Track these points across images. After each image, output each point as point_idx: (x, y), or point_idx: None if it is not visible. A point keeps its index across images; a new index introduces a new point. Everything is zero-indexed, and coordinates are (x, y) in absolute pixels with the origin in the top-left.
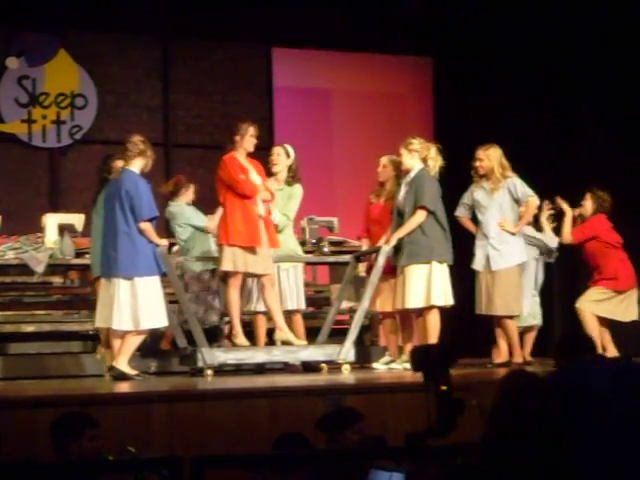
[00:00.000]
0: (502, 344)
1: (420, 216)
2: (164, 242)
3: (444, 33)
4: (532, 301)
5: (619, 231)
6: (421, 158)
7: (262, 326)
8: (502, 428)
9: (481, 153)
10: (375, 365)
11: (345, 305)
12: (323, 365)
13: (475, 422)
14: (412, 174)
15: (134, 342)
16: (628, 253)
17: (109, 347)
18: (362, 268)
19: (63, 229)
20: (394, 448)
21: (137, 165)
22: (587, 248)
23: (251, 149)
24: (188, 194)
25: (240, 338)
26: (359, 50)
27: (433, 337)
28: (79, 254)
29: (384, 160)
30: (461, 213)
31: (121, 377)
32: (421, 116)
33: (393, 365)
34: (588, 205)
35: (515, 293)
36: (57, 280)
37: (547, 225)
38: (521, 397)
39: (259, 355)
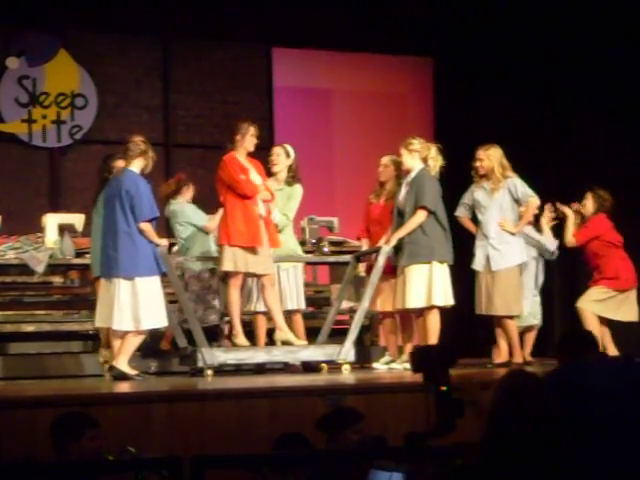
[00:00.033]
0: (502, 344)
1: (420, 216)
2: (164, 242)
3: (444, 33)
4: (532, 301)
5: (619, 231)
6: (421, 158)
7: (262, 326)
8: (501, 428)
9: (481, 153)
10: (375, 365)
11: (345, 305)
12: (323, 365)
13: (475, 422)
14: (412, 174)
15: (134, 342)
16: (628, 253)
17: (109, 347)
18: (362, 268)
19: (63, 229)
20: (394, 448)
21: (138, 165)
22: (588, 248)
23: (252, 149)
24: (189, 192)
25: (240, 338)
26: (359, 50)
27: (433, 337)
28: (79, 254)
29: (386, 160)
30: (461, 213)
31: (121, 377)
32: (421, 116)
33: (393, 365)
34: (589, 204)
35: (515, 293)
36: (57, 280)
37: (547, 227)
38: (520, 397)
39: (259, 355)
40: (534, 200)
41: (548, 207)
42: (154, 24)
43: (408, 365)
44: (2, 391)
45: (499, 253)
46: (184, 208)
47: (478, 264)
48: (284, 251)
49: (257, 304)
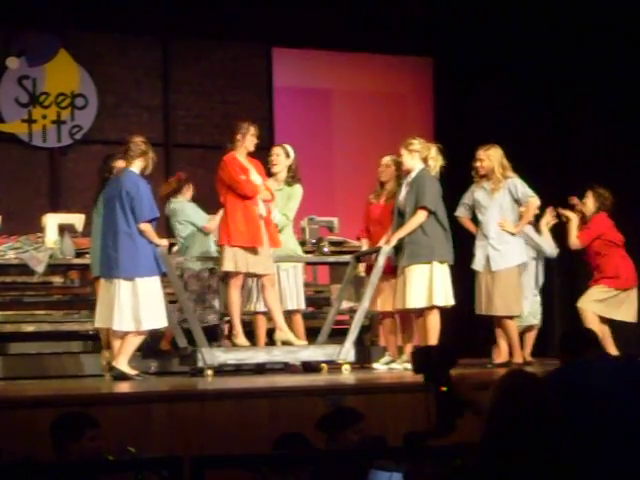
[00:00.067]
0: (502, 344)
1: (421, 216)
2: (164, 242)
3: (444, 33)
4: (533, 301)
5: (619, 230)
6: (422, 158)
7: (262, 326)
8: (501, 428)
9: (482, 153)
10: (375, 365)
11: (345, 305)
12: (323, 365)
13: (474, 422)
14: (413, 174)
15: (134, 342)
16: (628, 252)
17: (109, 348)
18: (361, 268)
19: (63, 229)
20: (394, 448)
21: (138, 166)
22: (589, 247)
23: (252, 148)
24: (189, 191)
25: (240, 338)
26: (359, 50)
27: (433, 338)
28: (79, 254)
29: (387, 160)
30: (461, 213)
31: (121, 377)
32: (421, 116)
33: (393, 365)
34: (589, 203)
35: (515, 293)
36: (57, 280)
37: (546, 230)
38: (520, 397)
39: (259, 355)
40: (534, 200)
41: (550, 210)
42: (154, 24)
43: (408, 365)
44: (2, 391)
45: (499, 253)
46: (184, 207)
47: (478, 264)
48: (284, 251)
49: (257, 304)
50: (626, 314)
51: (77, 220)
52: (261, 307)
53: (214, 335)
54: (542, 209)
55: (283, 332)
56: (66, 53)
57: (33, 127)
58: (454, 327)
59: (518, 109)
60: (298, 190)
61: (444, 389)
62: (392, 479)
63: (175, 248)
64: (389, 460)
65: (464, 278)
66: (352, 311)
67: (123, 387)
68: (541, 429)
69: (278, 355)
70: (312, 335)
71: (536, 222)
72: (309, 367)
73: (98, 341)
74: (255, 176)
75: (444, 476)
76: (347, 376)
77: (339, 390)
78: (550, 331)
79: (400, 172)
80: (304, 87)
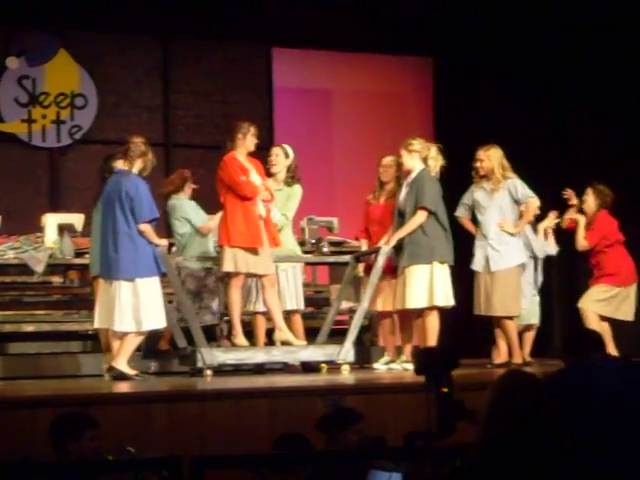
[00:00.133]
0: (502, 345)
1: (421, 217)
2: (164, 242)
3: (444, 33)
4: (531, 301)
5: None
6: (421, 158)
7: (261, 326)
8: (499, 428)
9: (482, 154)
10: (375, 365)
11: (345, 305)
12: (323, 365)
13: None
14: (413, 175)
15: (134, 342)
16: (628, 250)
17: (109, 350)
18: (360, 268)
19: (63, 229)
20: (393, 448)
21: (137, 166)
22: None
23: (253, 148)
24: (189, 189)
25: (240, 338)
26: (359, 50)
27: (432, 338)
28: (79, 254)
29: (389, 160)
30: (461, 213)
31: (121, 377)
32: (421, 116)
33: (393, 365)
34: (590, 200)
35: (514, 294)
36: (57, 280)
37: (542, 232)
38: (518, 397)
39: (259, 355)
40: (534, 201)
41: (553, 212)
42: (154, 24)
43: (407, 365)
44: (2, 391)
45: (498, 254)
46: (183, 204)
47: (477, 264)
48: (283, 251)
49: (256, 304)
50: (627, 313)
51: (77, 220)
52: (260, 307)
53: (210, 335)
54: (542, 209)
55: (282, 332)
56: (66, 53)
57: (33, 127)
58: (454, 327)
59: (518, 109)
60: (297, 190)
61: (445, 390)
62: (392, 479)
63: (175, 248)
64: (388, 460)
65: (464, 278)
66: (352, 311)
67: (122, 387)
68: (539, 429)
69: (277, 355)
70: (311, 335)
71: (536, 222)
72: (309, 367)
73: (97, 341)
74: (255, 177)
75: (444, 477)
76: (347, 376)
77: (339, 390)
78: (549, 331)
79: (400, 173)
80: (304, 87)
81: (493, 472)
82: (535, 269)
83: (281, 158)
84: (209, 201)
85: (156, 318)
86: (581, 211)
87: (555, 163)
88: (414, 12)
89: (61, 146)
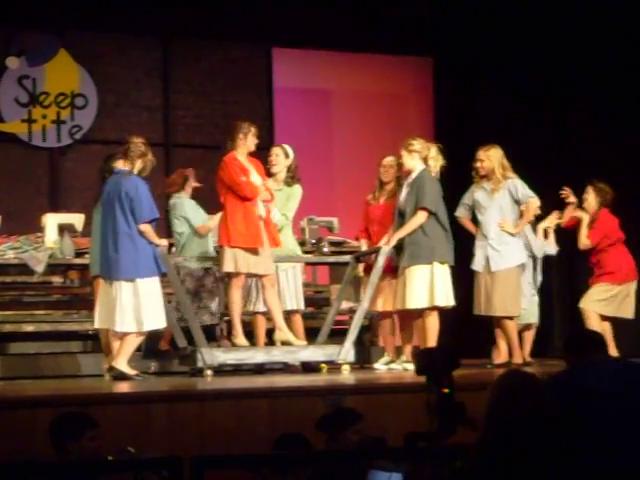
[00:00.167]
0: (502, 345)
1: (421, 217)
2: (164, 242)
3: (444, 33)
4: (531, 300)
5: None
6: (421, 158)
7: (262, 326)
8: (498, 428)
9: (482, 154)
10: (375, 365)
11: (345, 305)
12: (323, 365)
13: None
14: (413, 175)
15: (134, 343)
16: (629, 249)
17: (109, 351)
18: (360, 268)
19: (63, 229)
20: (393, 448)
21: (137, 167)
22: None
23: (253, 148)
24: (190, 187)
25: (240, 338)
26: (359, 50)
27: (432, 338)
28: (79, 254)
29: (390, 160)
30: (461, 213)
31: (121, 377)
32: (421, 116)
33: (393, 365)
34: (591, 198)
35: (514, 294)
36: (57, 280)
37: (541, 231)
38: (518, 397)
39: (259, 355)
40: (534, 201)
41: (556, 212)
42: (154, 24)
43: (407, 365)
44: (2, 391)
45: (498, 254)
46: (184, 203)
47: (477, 264)
48: (283, 251)
49: (256, 304)
50: (626, 311)
51: (77, 220)
52: (260, 307)
53: (210, 335)
54: (542, 209)
55: (283, 332)
56: (66, 53)
57: (33, 127)
58: (454, 327)
59: (518, 109)
60: (297, 190)
61: (446, 391)
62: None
63: (175, 248)
64: (388, 460)
65: (464, 278)
66: (352, 311)
67: (123, 387)
68: (539, 429)
69: (277, 355)
70: (312, 335)
71: (536, 222)
72: (309, 367)
73: (97, 341)
74: (255, 177)
75: (444, 477)
76: (347, 376)
77: (339, 390)
78: (549, 331)
79: (401, 173)
80: (304, 87)
81: (493, 473)
82: (534, 269)
83: (281, 158)
84: (209, 201)
85: (157, 318)
86: (580, 207)
87: (555, 163)
88: (414, 12)
89: (61, 146)
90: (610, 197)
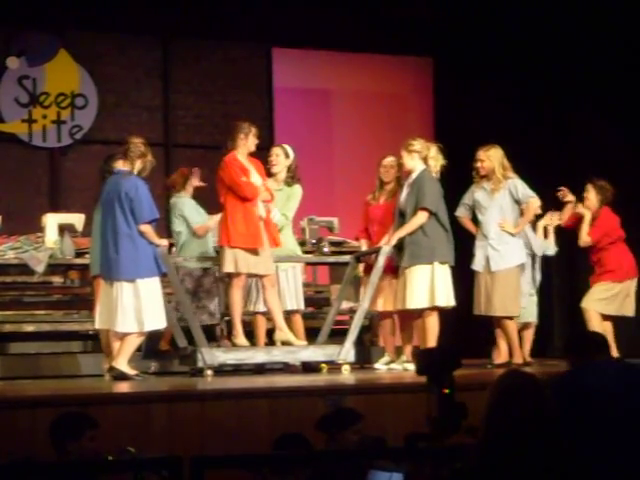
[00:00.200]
0: (502, 345)
1: (421, 217)
2: (164, 242)
3: (444, 33)
4: (529, 300)
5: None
6: (422, 158)
7: (262, 326)
8: (498, 429)
9: (482, 154)
10: (375, 365)
11: (345, 305)
12: (323, 365)
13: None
14: (414, 175)
15: (134, 343)
16: (629, 247)
17: (109, 351)
18: (360, 268)
19: (63, 229)
20: (394, 448)
21: (137, 167)
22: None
23: (253, 149)
24: (191, 187)
25: (240, 338)
26: (359, 50)
27: (432, 339)
28: (79, 254)
29: (391, 161)
30: (461, 213)
31: (121, 377)
32: (421, 116)
33: (393, 365)
34: (592, 197)
35: (514, 294)
36: (57, 280)
37: (541, 230)
38: (518, 397)
39: (259, 355)
40: (534, 201)
41: (551, 214)
42: (154, 24)
43: (407, 365)
44: (2, 391)
45: (499, 254)
46: (184, 202)
47: (478, 264)
48: (283, 251)
49: (257, 304)
50: (627, 309)
51: (77, 220)
52: (261, 307)
53: (209, 335)
54: (542, 209)
55: (283, 332)
56: (66, 53)
57: (33, 127)
58: (454, 327)
59: (518, 109)
60: (297, 190)
61: (447, 391)
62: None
63: (175, 249)
64: (389, 460)
65: (464, 278)
66: (352, 311)
67: (123, 387)
68: (539, 429)
69: (278, 355)
70: (312, 335)
71: (536, 221)
72: (309, 367)
73: (98, 341)
74: (255, 177)
75: (444, 478)
76: (347, 376)
77: (339, 390)
78: (549, 331)
79: (401, 173)
80: (304, 87)
81: (493, 473)
82: (533, 267)
83: (281, 158)
84: (209, 201)
85: (157, 318)
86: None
87: (555, 163)
88: (414, 12)
89: (61, 146)
90: (611, 195)
